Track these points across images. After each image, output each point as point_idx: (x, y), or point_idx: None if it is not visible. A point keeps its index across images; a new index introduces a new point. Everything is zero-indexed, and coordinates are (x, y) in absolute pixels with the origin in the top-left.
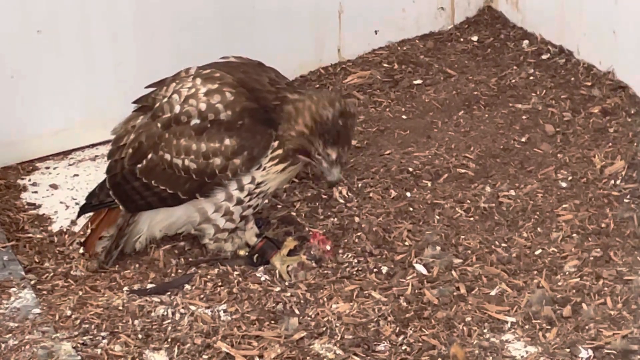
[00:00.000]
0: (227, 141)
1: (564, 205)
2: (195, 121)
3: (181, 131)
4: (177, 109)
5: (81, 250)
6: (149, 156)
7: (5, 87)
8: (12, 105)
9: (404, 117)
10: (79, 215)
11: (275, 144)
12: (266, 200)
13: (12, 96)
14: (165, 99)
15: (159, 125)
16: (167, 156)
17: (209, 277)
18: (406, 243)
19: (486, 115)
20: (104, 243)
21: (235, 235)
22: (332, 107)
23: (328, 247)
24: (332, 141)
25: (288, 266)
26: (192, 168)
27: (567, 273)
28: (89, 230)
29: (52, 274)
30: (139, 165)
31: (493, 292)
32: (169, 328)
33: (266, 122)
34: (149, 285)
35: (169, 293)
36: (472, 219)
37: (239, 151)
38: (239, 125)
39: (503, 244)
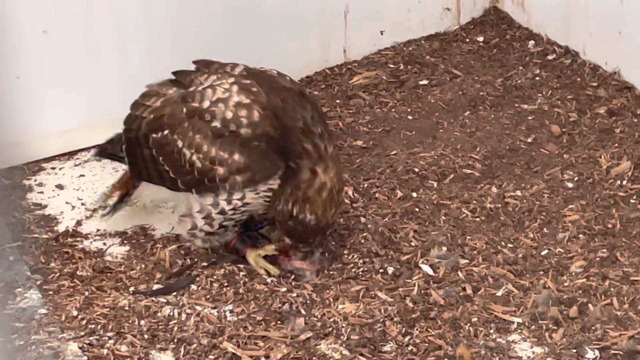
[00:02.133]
0: (236, 156)
1: (570, 206)
2: (216, 124)
3: (200, 127)
4: (206, 104)
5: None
6: (165, 132)
7: (11, 87)
8: (17, 105)
9: (409, 117)
10: (95, 155)
11: (278, 180)
12: (245, 217)
13: (18, 97)
14: (200, 88)
15: (184, 110)
16: (180, 142)
17: (215, 277)
18: (412, 243)
19: (492, 116)
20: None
21: (212, 237)
22: (315, 215)
23: (297, 262)
24: (296, 239)
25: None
26: (197, 166)
27: (573, 273)
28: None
29: (58, 274)
30: (154, 135)
31: (499, 293)
32: (175, 328)
33: (280, 154)
34: (155, 286)
35: (174, 293)
36: (478, 219)
37: (244, 170)
38: (254, 146)
39: (509, 245)
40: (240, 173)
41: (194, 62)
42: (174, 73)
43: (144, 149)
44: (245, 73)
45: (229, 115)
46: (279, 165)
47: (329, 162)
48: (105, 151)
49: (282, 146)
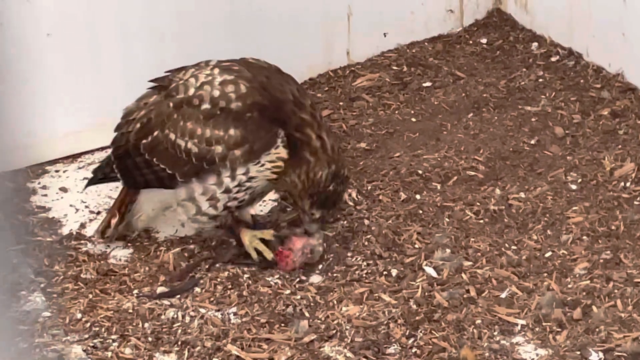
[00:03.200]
0: (231, 131)
1: (574, 208)
2: (205, 106)
3: (190, 113)
4: (191, 91)
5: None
6: (155, 133)
7: (14, 90)
8: (21, 108)
9: (413, 119)
10: (86, 187)
11: (281, 146)
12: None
13: (21, 99)
14: (182, 81)
15: (170, 104)
16: (172, 136)
17: (218, 280)
18: (416, 246)
19: (495, 118)
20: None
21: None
22: (328, 168)
23: (299, 243)
24: (321, 204)
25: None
26: (194, 152)
27: (577, 275)
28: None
29: (62, 277)
30: (144, 141)
31: (503, 295)
32: (179, 331)
33: (274, 121)
34: (159, 289)
35: (178, 296)
36: (481, 221)
37: (241, 142)
38: (247, 118)
39: (513, 247)
40: (238, 147)
41: (151, 81)
42: (152, 80)
43: (136, 158)
44: (220, 62)
45: (217, 93)
46: (276, 132)
47: (326, 128)
48: (95, 178)
49: (276, 115)
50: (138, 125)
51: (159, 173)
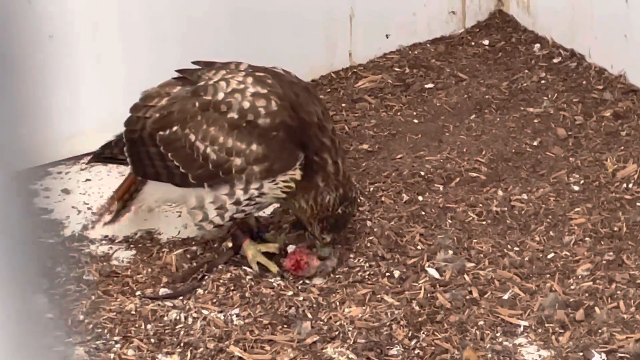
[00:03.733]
0: (254, 146)
1: (576, 209)
2: (232, 114)
3: (215, 119)
4: (220, 96)
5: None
6: (174, 128)
7: (16, 92)
8: (23, 110)
9: (415, 121)
10: (89, 162)
11: (298, 169)
12: (255, 210)
13: (23, 101)
14: (212, 82)
15: (196, 104)
16: (192, 136)
17: (221, 281)
18: (418, 247)
19: (498, 119)
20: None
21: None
22: (336, 191)
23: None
24: (331, 228)
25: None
26: (212, 158)
27: (579, 277)
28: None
29: (64, 279)
30: (161, 133)
31: (506, 296)
32: (182, 332)
33: (299, 144)
34: (162, 290)
35: (181, 297)
36: (484, 222)
37: (262, 160)
38: (272, 136)
39: (515, 248)
40: (258, 163)
41: (194, 63)
42: (179, 71)
43: (149, 148)
44: (251, 70)
45: (247, 105)
46: (297, 155)
47: (342, 155)
48: (101, 155)
49: (300, 137)
50: (157, 115)
51: (171, 169)
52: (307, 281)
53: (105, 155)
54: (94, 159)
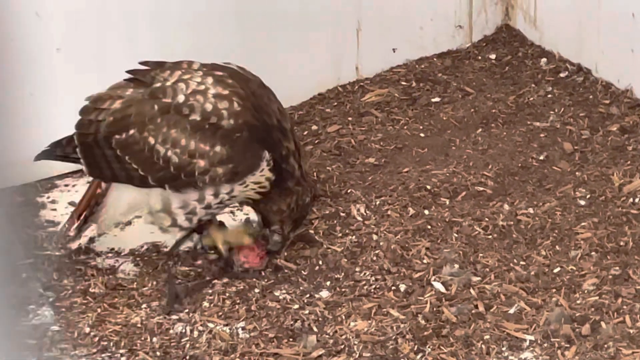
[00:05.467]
0: (217, 148)
1: (583, 223)
2: (195, 117)
3: (177, 121)
4: (181, 98)
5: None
6: (131, 132)
7: (24, 104)
8: (30, 122)
9: (422, 134)
10: (37, 159)
11: (267, 168)
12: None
13: (31, 114)
14: (169, 83)
15: (155, 106)
16: (152, 140)
17: (227, 294)
18: (424, 261)
19: (504, 133)
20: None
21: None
22: (311, 192)
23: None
24: (297, 225)
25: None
26: (173, 161)
27: (585, 291)
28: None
29: (70, 291)
30: (117, 136)
31: (511, 310)
32: (187, 345)
33: (263, 143)
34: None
35: (186, 310)
36: (490, 236)
37: (226, 162)
38: (235, 137)
39: (521, 262)
40: (222, 165)
41: (142, 63)
42: (129, 72)
43: (105, 150)
44: (205, 68)
45: (209, 107)
46: (261, 154)
47: (303, 154)
48: (53, 153)
49: (265, 138)
50: (112, 118)
51: (130, 171)
52: (313, 294)
53: (58, 153)
54: (44, 155)
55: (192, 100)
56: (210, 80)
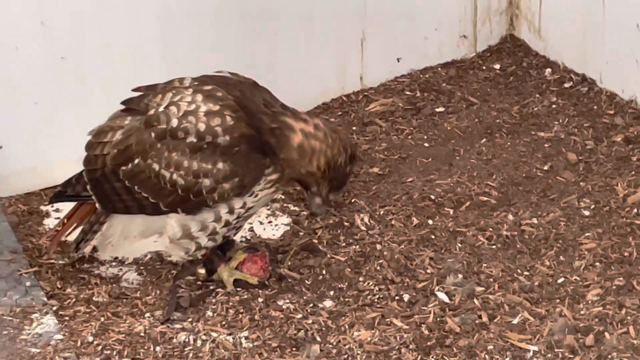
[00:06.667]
0: (220, 165)
1: (587, 234)
2: (191, 139)
3: (175, 145)
4: (174, 122)
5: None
6: (136, 161)
7: (28, 113)
8: (35, 131)
9: (426, 144)
10: (51, 202)
11: (270, 169)
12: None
13: (35, 122)
14: (162, 109)
15: (152, 134)
16: (156, 166)
17: (230, 303)
18: (428, 271)
19: (508, 143)
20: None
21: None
22: (345, 153)
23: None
24: (337, 186)
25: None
26: (180, 183)
27: (589, 302)
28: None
29: (74, 300)
30: (123, 168)
31: (515, 321)
32: (191, 354)
33: (262, 150)
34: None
35: (190, 319)
36: (494, 247)
37: (231, 177)
38: (235, 152)
39: (525, 272)
40: (227, 180)
41: (135, 90)
42: (124, 102)
43: (114, 183)
44: (196, 83)
45: (202, 127)
46: (264, 163)
47: (302, 115)
48: (64, 194)
49: (259, 138)
50: (115, 150)
51: (141, 201)
52: (317, 304)
53: (69, 194)
54: (57, 198)
55: (185, 123)
56: (199, 97)
